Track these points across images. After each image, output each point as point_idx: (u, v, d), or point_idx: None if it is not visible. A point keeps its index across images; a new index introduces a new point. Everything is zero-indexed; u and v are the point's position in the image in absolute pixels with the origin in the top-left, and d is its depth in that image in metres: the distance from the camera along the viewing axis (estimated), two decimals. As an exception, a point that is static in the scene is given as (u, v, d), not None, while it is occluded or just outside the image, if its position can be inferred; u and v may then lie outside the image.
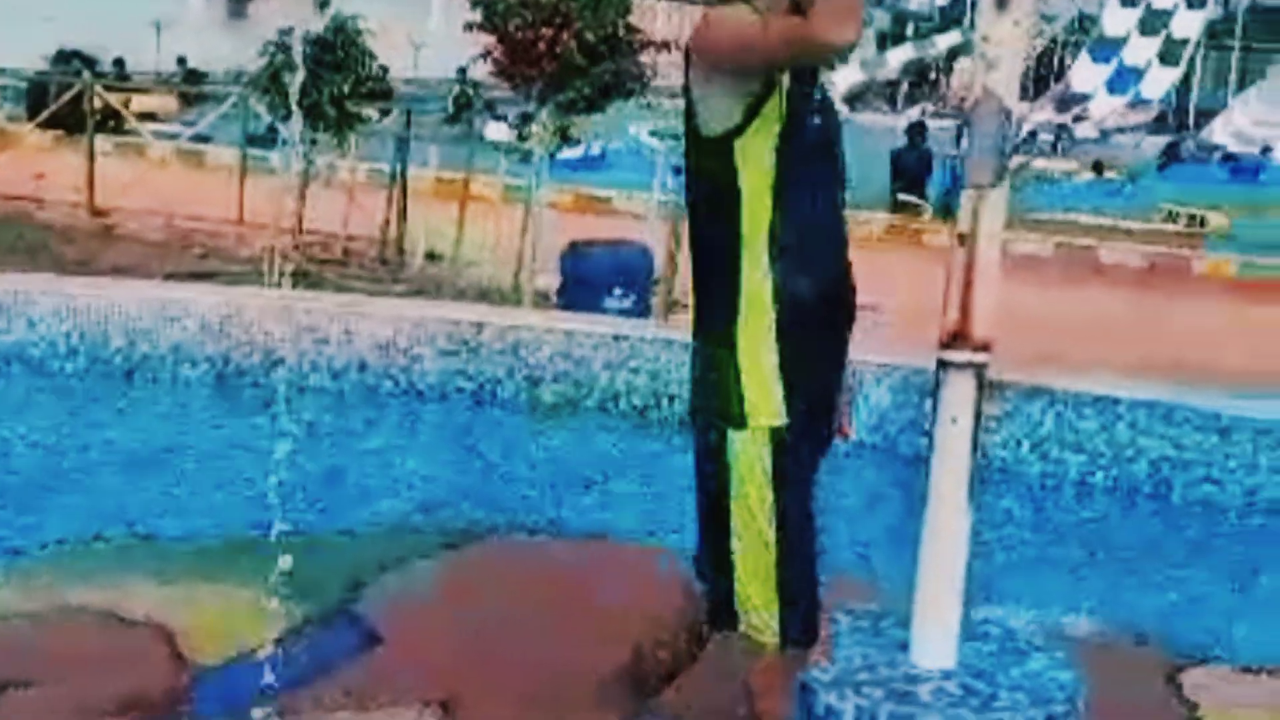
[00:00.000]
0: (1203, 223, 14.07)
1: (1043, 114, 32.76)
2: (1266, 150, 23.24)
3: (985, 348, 3.07)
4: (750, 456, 2.70)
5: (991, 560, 4.42)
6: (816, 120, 2.78)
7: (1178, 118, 34.00)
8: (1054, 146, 22.56)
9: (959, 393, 3.05)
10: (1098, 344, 7.28)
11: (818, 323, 2.77)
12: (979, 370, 3.08)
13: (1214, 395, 5.96)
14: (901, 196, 16.26)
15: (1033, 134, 21.62)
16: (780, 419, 2.69)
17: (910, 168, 17.14)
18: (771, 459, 2.70)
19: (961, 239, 3.03)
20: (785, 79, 2.73)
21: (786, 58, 2.70)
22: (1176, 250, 12.84)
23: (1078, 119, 32.24)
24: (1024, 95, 27.02)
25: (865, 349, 6.59)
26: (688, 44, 2.80)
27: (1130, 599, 4.51)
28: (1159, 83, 33.80)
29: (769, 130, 2.71)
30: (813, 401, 2.75)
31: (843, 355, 2.92)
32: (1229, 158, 21.87)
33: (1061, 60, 35.61)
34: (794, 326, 2.71)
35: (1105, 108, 33.22)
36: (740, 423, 2.70)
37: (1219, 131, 27.66)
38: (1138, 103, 33.81)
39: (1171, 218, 14.45)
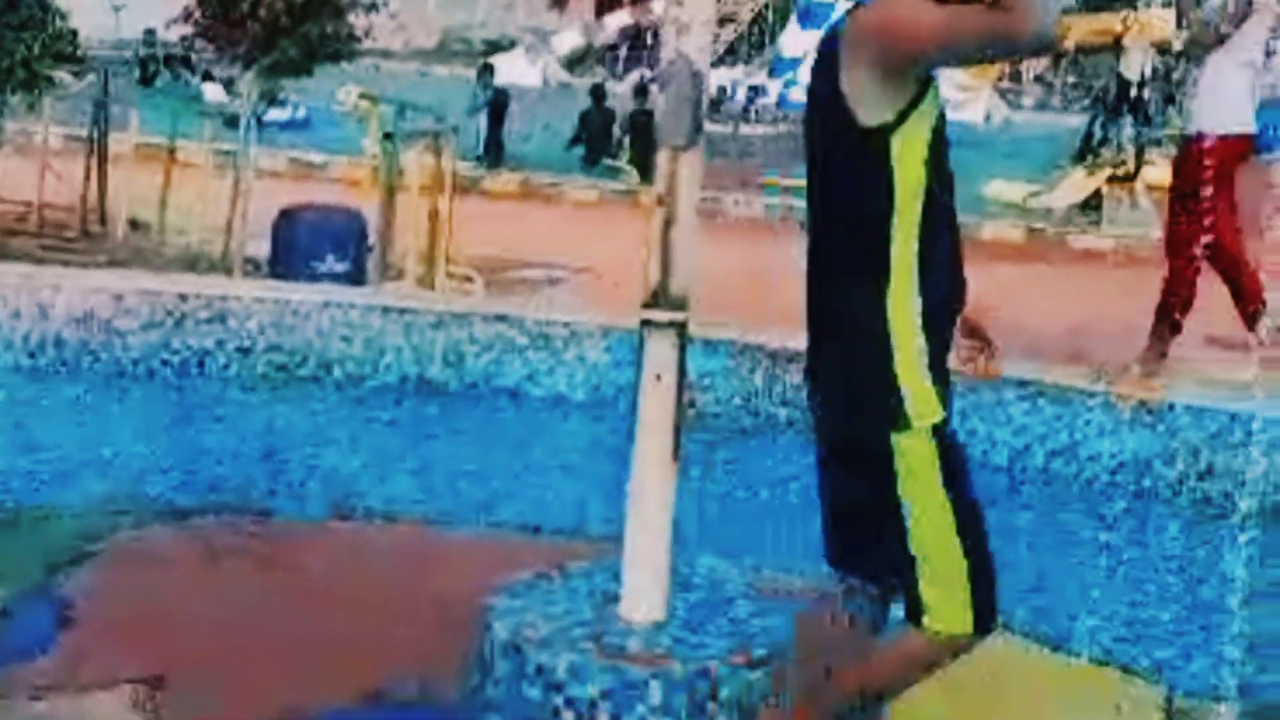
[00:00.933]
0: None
1: (756, 78, 33.52)
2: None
3: (685, 306, 3.15)
4: (919, 456, 2.66)
5: (704, 510, 4.54)
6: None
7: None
8: (746, 110, 22.99)
9: (662, 350, 3.13)
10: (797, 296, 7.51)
11: (949, 318, 2.76)
12: (680, 328, 3.15)
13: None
14: (607, 161, 16.48)
15: (722, 98, 21.96)
16: (940, 414, 2.67)
17: (595, 128, 17.43)
18: (939, 455, 2.67)
19: (660, 199, 3.09)
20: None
21: (975, 49, 2.64)
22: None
23: (789, 84, 33.11)
24: (737, 61, 27.39)
25: (583, 310, 6.71)
26: (844, 29, 2.66)
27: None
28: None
29: (925, 124, 2.64)
30: (949, 392, 2.71)
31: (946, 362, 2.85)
32: None
33: (774, 26, 36.48)
34: (936, 324, 2.69)
35: (815, 72, 34.20)
36: (904, 424, 2.65)
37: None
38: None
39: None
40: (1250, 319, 6.22)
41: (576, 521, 4.61)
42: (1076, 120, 23.34)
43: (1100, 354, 6.60)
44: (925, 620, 2.70)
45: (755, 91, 27.52)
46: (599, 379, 6.27)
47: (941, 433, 2.66)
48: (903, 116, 2.60)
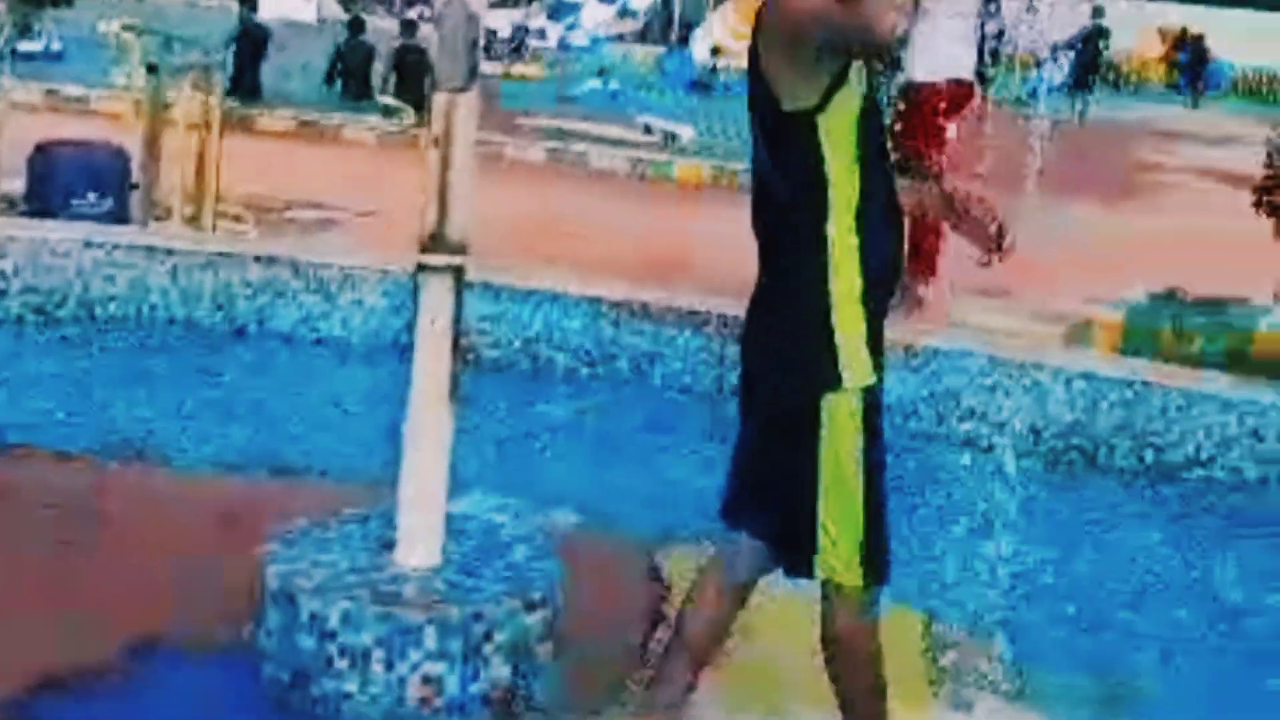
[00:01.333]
0: (674, 138, 14.82)
1: (537, 21, 33.36)
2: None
3: (463, 250, 3.11)
4: (844, 416, 2.79)
5: (482, 455, 4.53)
6: (877, 100, 2.87)
7: (664, 28, 35.49)
8: (516, 50, 22.78)
9: (437, 295, 3.09)
10: (584, 246, 7.54)
11: (886, 287, 2.88)
12: (457, 272, 3.12)
13: (690, 294, 6.30)
14: (384, 100, 16.05)
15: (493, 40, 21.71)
16: (872, 378, 2.81)
17: (352, 63, 17.03)
18: (863, 416, 2.80)
19: (436, 142, 3.04)
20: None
21: (843, 42, 2.70)
22: (658, 157, 13.45)
23: (571, 27, 33.05)
24: (517, 3, 27.09)
25: (361, 255, 6.58)
26: (760, 15, 2.79)
27: (616, 487, 4.73)
28: (645, -7, 35.16)
29: (852, 104, 2.76)
30: (879, 365, 2.84)
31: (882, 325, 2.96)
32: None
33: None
34: (873, 291, 2.82)
35: (596, 16, 34.21)
36: (836, 384, 2.78)
37: (699, 44, 29.05)
38: (625, 13, 35.02)
39: (647, 132, 15.12)
40: (925, 274, 6.30)
41: (353, 467, 4.53)
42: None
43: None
44: (818, 573, 2.84)
45: (530, 33, 27.27)
46: (377, 323, 6.18)
47: (869, 397, 2.81)
48: (827, 98, 2.74)
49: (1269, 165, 6.50)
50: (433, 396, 3.06)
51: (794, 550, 2.87)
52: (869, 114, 2.81)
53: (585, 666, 3.22)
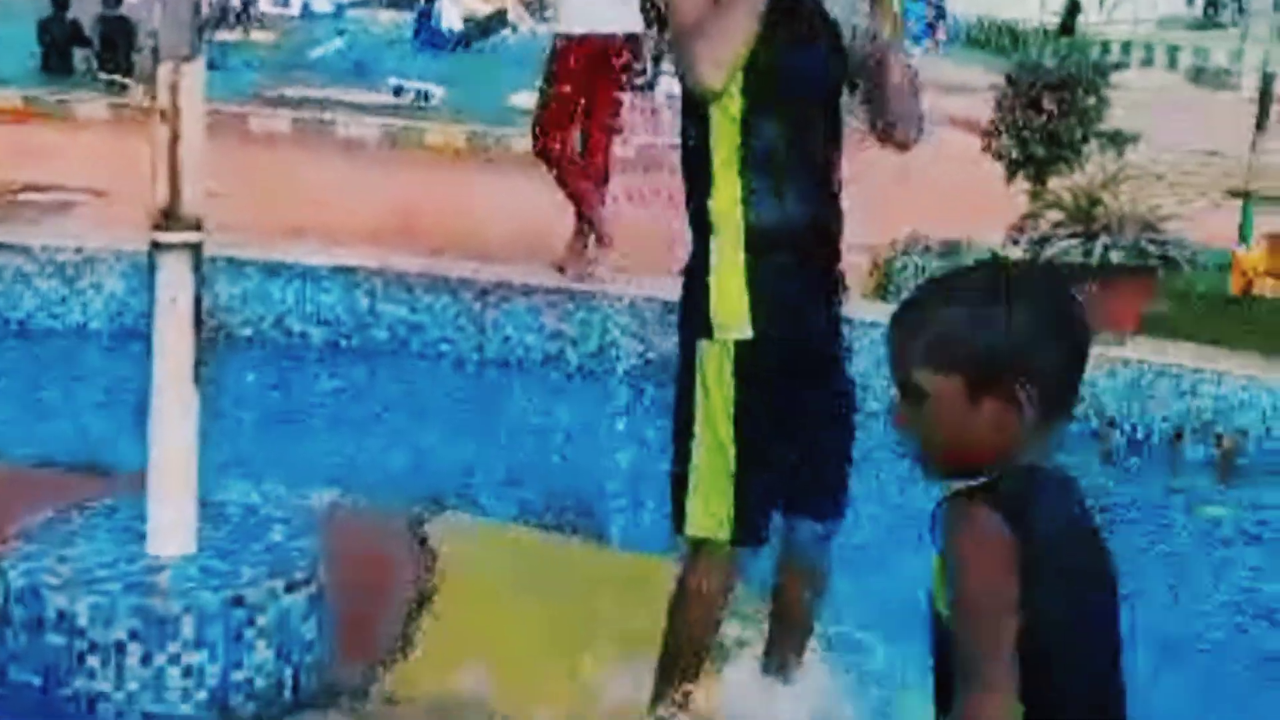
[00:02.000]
0: (426, 97, 14.57)
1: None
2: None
3: (198, 226, 3.01)
4: (716, 365, 2.81)
5: (239, 437, 4.41)
6: (799, 64, 2.84)
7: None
8: (240, 16, 22.02)
9: (175, 273, 2.98)
10: (336, 217, 7.38)
11: (787, 248, 2.83)
12: (195, 249, 3.01)
13: (448, 262, 6.25)
14: (104, 75, 15.34)
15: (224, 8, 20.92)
16: (744, 333, 2.79)
17: (57, 36, 16.33)
18: (733, 368, 2.79)
19: (163, 115, 2.93)
20: (765, 17, 2.75)
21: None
22: (410, 123, 13.23)
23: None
24: (259, -31, 26.04)
25: (97, 236, 6.31)
26: None
27: (375, 460, 4.67)
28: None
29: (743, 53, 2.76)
30: (778, 319, 2.81)
31: (821, 285, 2.93)
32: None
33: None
34: (762, 249, 2.81)
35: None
36: (709, 333, 2.81)
37: (448, 7, 28.70)
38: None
39: (398, 93, 14.83)
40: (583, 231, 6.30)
41: (100, 457, 4.36)
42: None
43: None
44: (687, 528, 2.86)
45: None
46: (119, 307, 5.95)
47: (744, 350, 2.79)
48: None
49: (998, 111, 6.76)
50: (175, 378, 2.96)
51: (678, 502, 2.87)
52: (768, 75, 2.79)
53: (353, 642, 3.17)
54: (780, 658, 3.10)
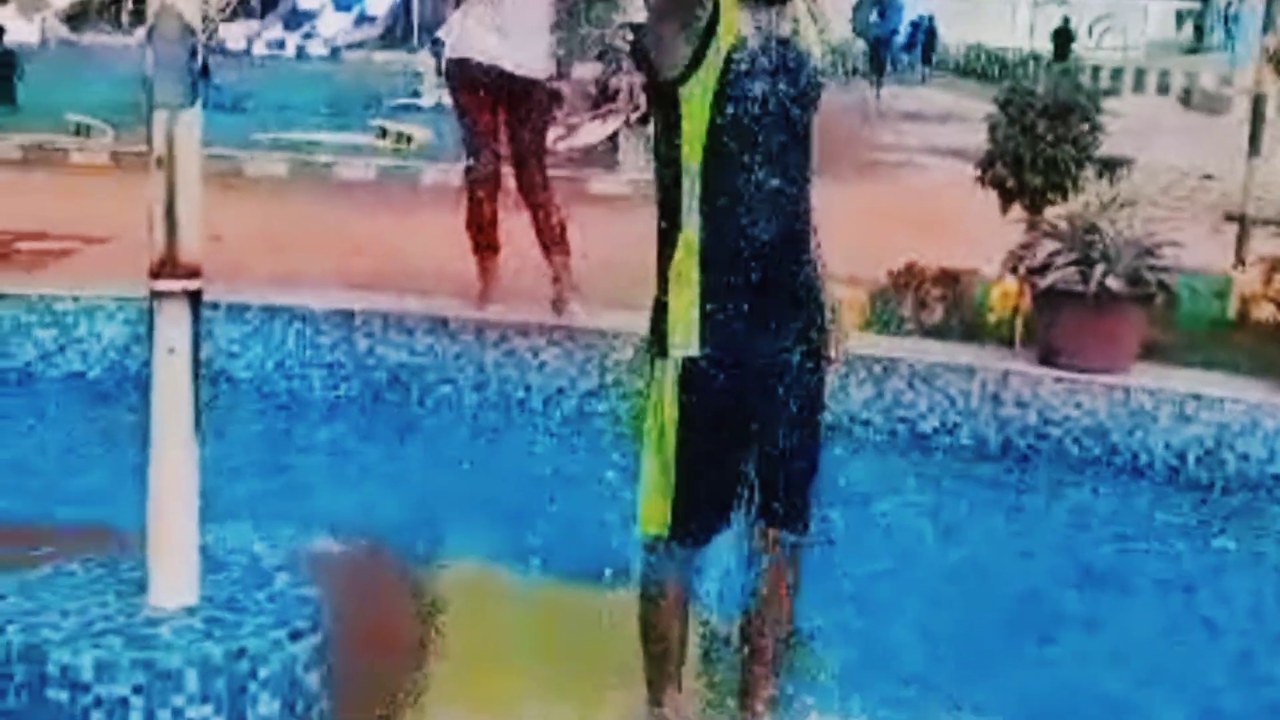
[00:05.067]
0: (409, 140, 14.61)
1: (273, 32, 32.61)
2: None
3: (196, 273, 3.00)
4: (664, 381, 2.96)
5: (239, 485, 4.39)
6: (765, 85, 2.89)
7: (405, 32, 35.12)
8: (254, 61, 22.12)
9: (174, 321, 2.96)
10: (335, 259, 7.38)
11: (741, 271, 2.90)
12: (194, 296, 3.00)
13: (442, 303, 6.23)
14: (75, 117, 15.26)
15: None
16: (691, 350, 2.91)
17: None
18: (682, 384, 2.93)
19: (160, 162, 2.92)
20: (734, 31, 2.86)
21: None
22: (404, 164, 13.27)
23: (308, 36, 32.43)
24: (252, 14, 26.37)
25: (98, 284, 6.31)
26: None
27: (372, 506, 4.64)
28: (381, -1, 34.74)
29: (709, 79, 2.85)
30: (730, 340, 2.92)
31: (776, 309, 2.99)
32: None
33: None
34: (716, 271, 2.89)
35: (333, 24, 33.65)
36: (663, 352, 2.96)
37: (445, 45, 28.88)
38: (364, 19, 34.53)
39: (382, 135, 14.89)
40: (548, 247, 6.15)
41: (100, 510, 4.33)
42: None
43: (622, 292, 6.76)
44: (639, 528, 3.04)
45: (269, 45, 26.68)
46: (119, 356, 5.94)
47: (698, 368, 2.92)
48: (689, 71, 2.85)
49: (992, 140, 6.75)
50: (175, 428, 2.94)
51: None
52: (736, 93, 2.87)
53: (359, 690, 3.15)
54: (751, 683, 3.21)
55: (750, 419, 3.00)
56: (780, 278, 2.98)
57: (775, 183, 2.92)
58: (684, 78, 2.87)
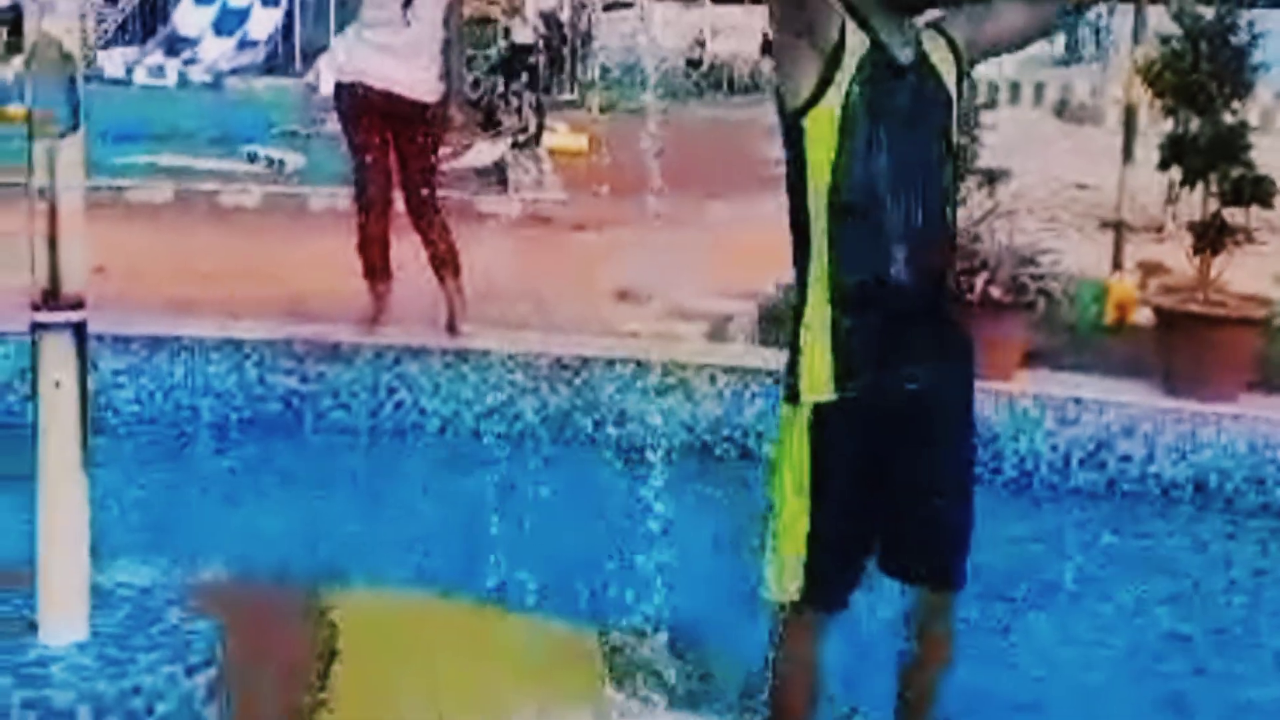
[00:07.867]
0: (281, 165, 14.31)
1: (153, 58, 32.06)
2: None
3: (80, 305, 2.96)
4: (792, 431, 2.75)
5: (129, 518, 4.32)
6: (896, 100, 2.71)
7: (288, 58, 34.77)
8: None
9: (59, 354, 2.92)
10: (222, 286, 7.29)
11: (878, 304, 2.72)
12: (78, 328, 2.96)
13: (332, 328, 6.19)
14: None
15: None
16: (825, 395, 2.72)
17: None
18: (811, 433, 2.73)
19: (41, 192, 2.88)
20: (859, 53, 2.69)
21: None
22: (290, 189, 13.11)
23: (189, 62, 31.95)
24: (132, 41, 25.85)
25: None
26: None
27: (265, 536, 4.59)
28: (263, 23, 34.32)
29: (834, 105, 2.68)
30: (863, 383, 2.72)
31: (922, 341, 2.77)
32: None
33: (168, 4, 35.00)
34: (850, 307, 2.71)
35: (215, 50, 33.19)
36: (793, 396, 2.76)
37: (324, 70, 28.62)
38: (246, 44, 34.11)
39: (251, 159, 14.57)
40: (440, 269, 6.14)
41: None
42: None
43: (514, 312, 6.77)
44: (766, 591, 2.82)
45: (149, 72, 26.26)
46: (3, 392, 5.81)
47: (824, 413, 2.73)
48: (814, 98, 2.69)
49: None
50: (63, 464, 2.89)
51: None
52: (866, 116, 2.68)
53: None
54: None
55: (897, 467, 2.77)
56: (920, 306, 2.76)
57: (909, 213, 2.72)
58: (809, 105, 2.69)
